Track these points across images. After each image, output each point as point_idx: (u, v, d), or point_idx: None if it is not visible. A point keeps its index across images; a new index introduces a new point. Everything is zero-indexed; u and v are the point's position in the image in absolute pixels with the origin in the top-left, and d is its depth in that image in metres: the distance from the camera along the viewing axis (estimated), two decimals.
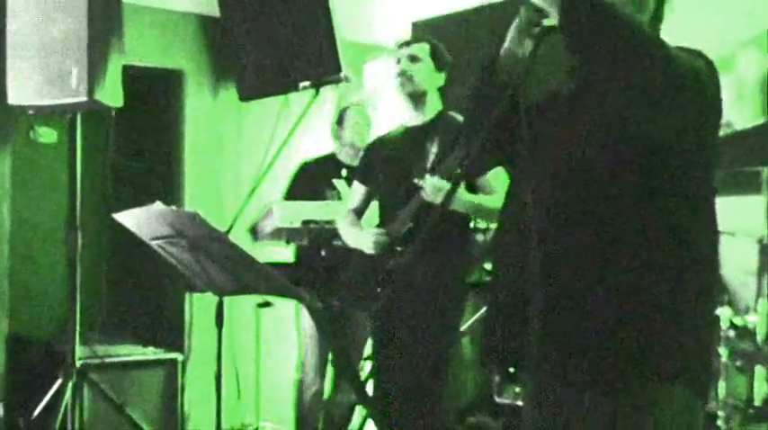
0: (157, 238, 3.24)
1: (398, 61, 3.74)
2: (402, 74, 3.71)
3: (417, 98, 3.73)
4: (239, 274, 3.19)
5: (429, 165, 3.57)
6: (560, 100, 2.13)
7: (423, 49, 3.73)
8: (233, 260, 3.14)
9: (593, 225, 1.98)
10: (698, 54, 1.98)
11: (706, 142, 1.99)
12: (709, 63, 1.98)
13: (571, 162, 2.03)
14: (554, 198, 2.02)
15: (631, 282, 1.94)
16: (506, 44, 2.03)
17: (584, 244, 1.97)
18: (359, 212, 3.97)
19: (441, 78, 3.75)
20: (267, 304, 3.37)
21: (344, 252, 4.03)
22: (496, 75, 2.06)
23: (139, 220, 3.20)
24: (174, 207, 3.19)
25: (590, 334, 1.95)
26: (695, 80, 1.88)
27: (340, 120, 4.81)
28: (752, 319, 3.39)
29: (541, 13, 1.91)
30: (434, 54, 3.73)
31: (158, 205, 3.09)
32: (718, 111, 2.00)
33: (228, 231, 3.82)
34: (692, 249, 1.98)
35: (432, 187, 3.44)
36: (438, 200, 3.41)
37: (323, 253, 4.29)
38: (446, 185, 3.39)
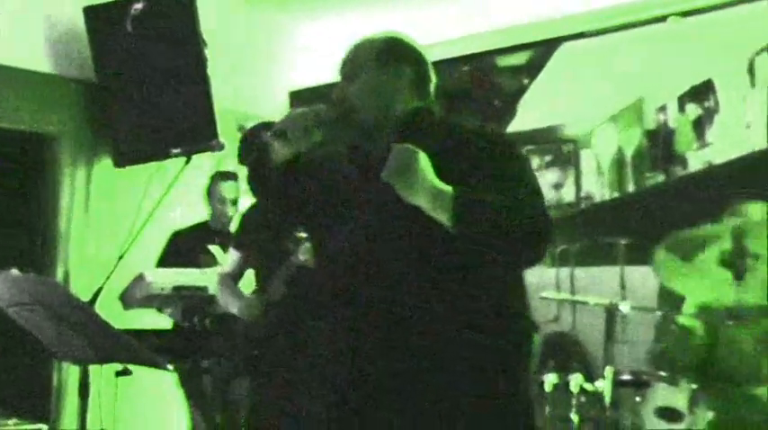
0: (15, 305, 3.17)
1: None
2: None
3: None
4: (99, 343, 3.14)
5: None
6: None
7: None
8: (92, 328, 3.09)
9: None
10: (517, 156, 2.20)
11: None
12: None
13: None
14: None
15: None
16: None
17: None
18: (235, 278, 3.97)
19: None
20: (126, 372, 3.34)
21: (221, 317, 4.01)
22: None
23: None
24: (31, 274, 3.14)
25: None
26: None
27: (210, 188, 4.82)
28: (600, 385, 3.51)
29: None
30: None
31: (14, 272, 3.05)
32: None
33: (95, 297, 3.77)
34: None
35: (304, 249, 3.48)
36: (311, 262, 3.45)
37: (195, 319, 4.25)
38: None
